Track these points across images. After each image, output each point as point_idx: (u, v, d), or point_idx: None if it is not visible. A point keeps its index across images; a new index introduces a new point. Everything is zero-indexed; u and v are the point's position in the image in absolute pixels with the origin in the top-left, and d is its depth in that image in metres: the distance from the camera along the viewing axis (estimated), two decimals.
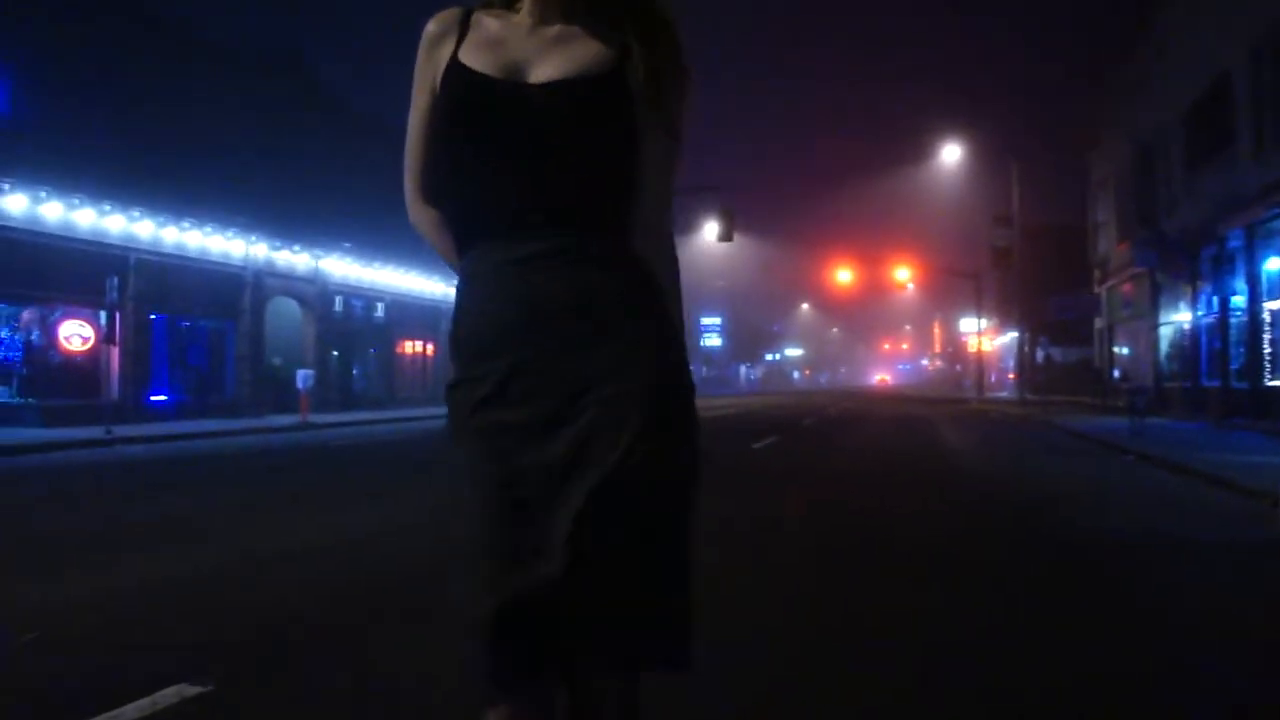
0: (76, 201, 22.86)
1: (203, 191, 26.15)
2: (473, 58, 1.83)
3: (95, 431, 19.74)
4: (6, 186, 21.27)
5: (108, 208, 23.73)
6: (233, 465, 14.46)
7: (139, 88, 24.49)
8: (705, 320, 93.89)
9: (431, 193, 1.91)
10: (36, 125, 21.55)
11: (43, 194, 22.03)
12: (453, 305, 1.86)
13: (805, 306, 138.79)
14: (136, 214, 24.53)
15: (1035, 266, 41.78)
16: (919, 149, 50.09)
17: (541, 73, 1.79)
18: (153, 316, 25.57)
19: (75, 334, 23.51)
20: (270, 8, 28.65)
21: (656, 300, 1.81)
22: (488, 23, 1.90)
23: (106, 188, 23.34)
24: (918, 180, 54.44)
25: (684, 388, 1.77)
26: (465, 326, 1.82)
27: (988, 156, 44.67)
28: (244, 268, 28.70)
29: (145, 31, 25.00)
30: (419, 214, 1.95)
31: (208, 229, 26.96)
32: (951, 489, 11.07)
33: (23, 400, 22.39)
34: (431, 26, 1.92)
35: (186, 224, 26.19)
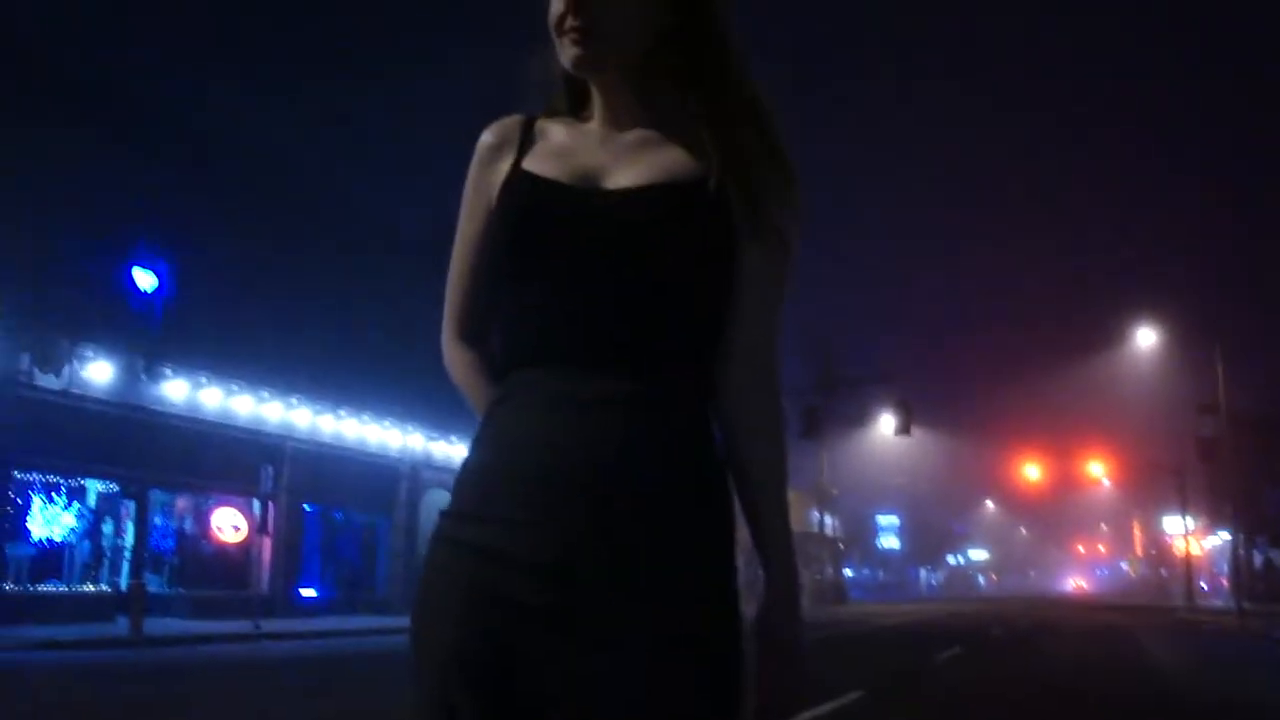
0: (235, 388, 23.09)
1: (360, 380, 26.18)
2: (539, 166, 1.63)
3: (243, 625, 19.43)
4: (169, 372, 21.55)
5: (266, 395, 23.89)
6: (385, 668, 14.01)
7: (300, 274, 24.92)
8: (882, 520, 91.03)
9: (472, 330, 1.72)
10: (198, 311, 21.87)
11: (203, 380, 22.29)
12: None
13: (990, 505, 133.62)
14: (294, 402, 24.65)
15: (1247, 459, 38.62)
16: (1111, 332, 47.49)
17: (619, 180, 1.59)
18: (306, 508, 25.41)
19: (228, 523, 23.46)
20: (434, 194, 29.55)
21: (724, 485, 1.56)
22: (554, 131, 1.70)
23: (265, 374, 23.54)
24: (1110, 366, 51.74)
25: (731, 625, 1.48)
26: (479, 457, 1.54)
27: (1187, 338, 42.02)
28: (400, 459, 28.50)
29: (306, 218, 25.58)
30: (454, 356, 1.73)
31: (365, 418, 26.92)
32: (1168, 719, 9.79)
33: (172, 590, 22.27)
34: (487, 137, 1.72)
35: (343, 413, 26.20)
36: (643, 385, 1.51)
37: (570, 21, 1.61)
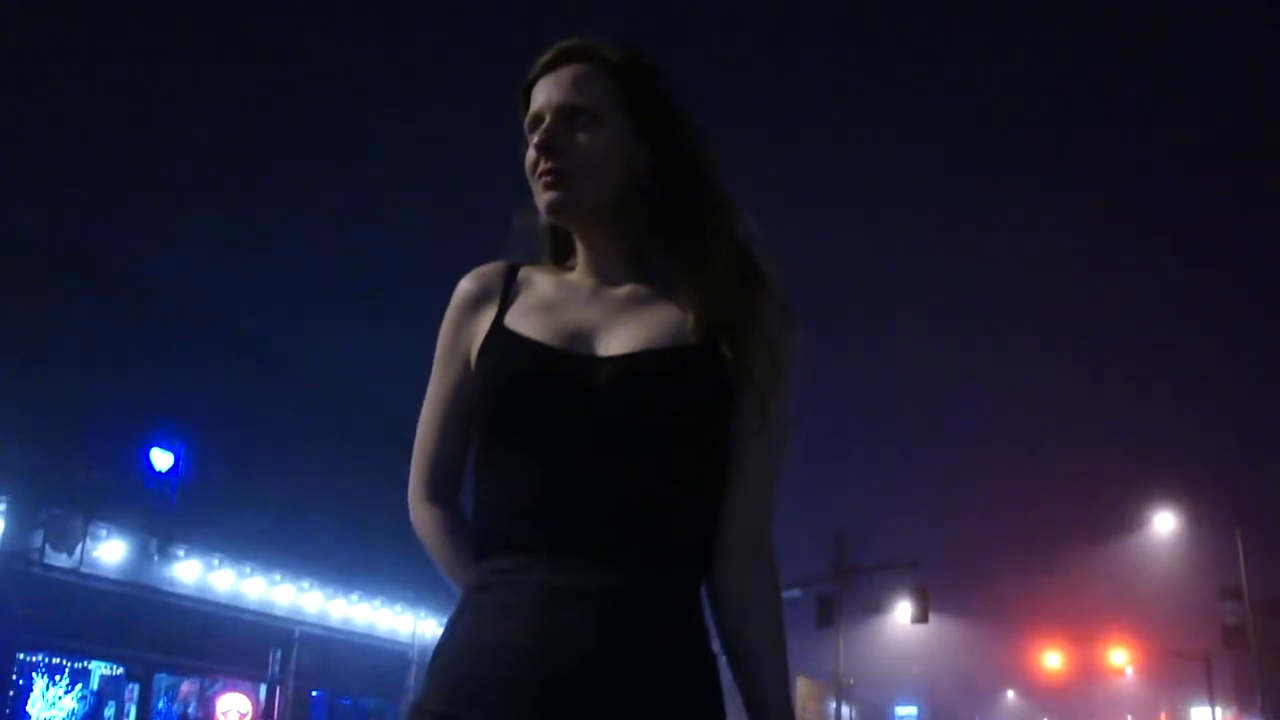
0: (248, 570, 22.83)
1: (373, 564, 25.92)
2: (522, 323, 1.55)
3: None
4: (181, 553, 21.39)
5: (278, 578, 23.63)
6: None
7: (315, 458, 25.03)
8: (900, 710, 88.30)
9: (443, 490, 1.65)
10: (213, 492, 21.88)
11: (215, 561, 22.08)
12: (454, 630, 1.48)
13: (1011, 695, 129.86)
14: (306, 585, 24.35)
15: (1275, 645, 37.64)
16: (1129, 516, 47.14)
17: (610, 344, 1.50)
18: (314, 693, 24.82)
19: (233, 709, 22.88)
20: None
21: (718, 682, 1.44)
22: (539, 282, 1.64)
23: (278, 556, 23.33)
24: (1130, 551, 51.08)
25: None
26: (452, 653, 1.44)
27: (1208, 521, 41.56)
28: (410, 645, 27.97)
29: (323, 403, 25.84)
30: (421, 514, 1.68)
31: (376, 603, 26.55)
32: None
33: None
34: (467, 284, 1.65)
35: (355, 597, 25.86)
36: (637, 577, 1.41)
37: (543, 165, 1.57)
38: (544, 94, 1.60)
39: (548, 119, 1.58)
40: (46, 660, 19.72)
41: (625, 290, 1.59)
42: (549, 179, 1.57)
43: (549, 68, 1.62)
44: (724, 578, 1.50)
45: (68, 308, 19.85)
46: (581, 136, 1.57)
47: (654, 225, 1.60)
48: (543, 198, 1.58)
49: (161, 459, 21.04)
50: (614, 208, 1.59)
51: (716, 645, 1.55)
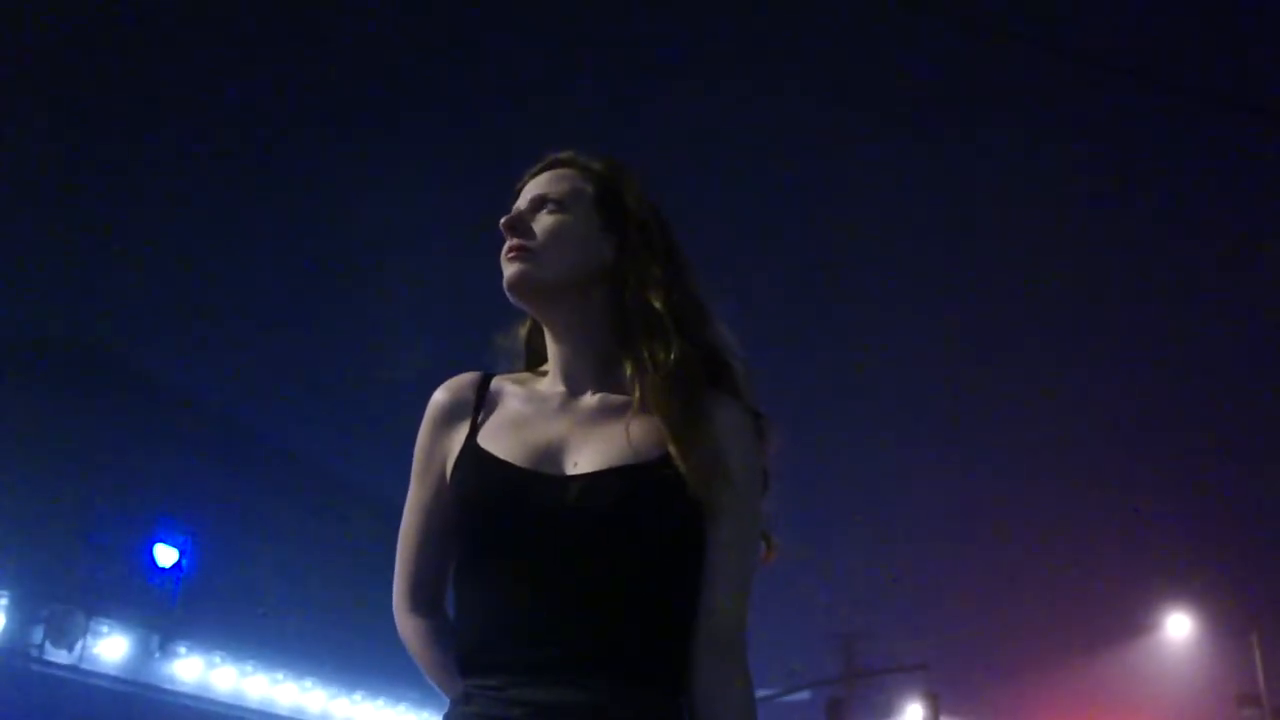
0: (250, 668, 22.56)
1: (377, 662, 25.58)
2: (494, 441, 1.58)
3: None
4: (183, 650, 21.17)
5: (280, 676, 23.34)
6: None
7: (320, 555, 24.88)
8: None
9: (425, 600, 1.66)
10: (216, 588, 21.71)
11: (217, 659, 21.83)
12: None
13: None
14: (308, 684, 24.03)
15: None
16: (1143, 618, 46.61)
17: (577, 460, 1.53)
18: None
19: None
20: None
21: None
22: (510, 394, 1.65)
23: (280, 655, 23.09)
24: (1143, 653, 50.29)
25: None
26: None
27: (1223, 625, 40.92)
28: None
29: (328, 498, 25.77)
30: (405, 625, 1.70)
31: (379, 702, 26.17)
32: None
33: None
34: (441, 396, 1.67)
35: (358, 696, 25.51)
36: (613, 692, 1.42)
37: (510, 240, 1.64)
38: (525, 192, 1.70)
39: (521, 208, 1.68)
40: None
41: (593, 401, 1.61)
42: (511, 254, 1.63)
43: (536, 173, 1.73)
44: (696, 684, 1.50)
45: (71, 403, 19.88)
46: (545, 218, 1.64)
47: (615, 325, 1.62)
48: (506, 272, 1.63)
49: (165, 555, 20.86)
50: (573, 291, 1.63)
51: None
